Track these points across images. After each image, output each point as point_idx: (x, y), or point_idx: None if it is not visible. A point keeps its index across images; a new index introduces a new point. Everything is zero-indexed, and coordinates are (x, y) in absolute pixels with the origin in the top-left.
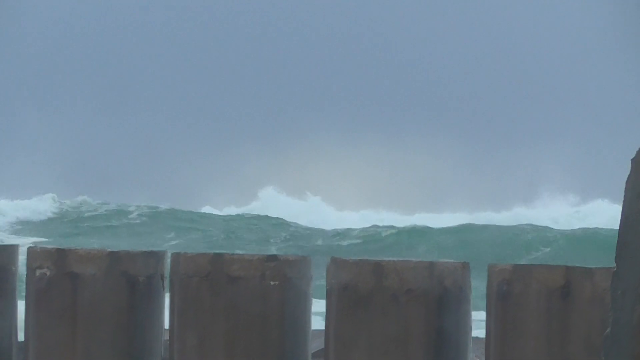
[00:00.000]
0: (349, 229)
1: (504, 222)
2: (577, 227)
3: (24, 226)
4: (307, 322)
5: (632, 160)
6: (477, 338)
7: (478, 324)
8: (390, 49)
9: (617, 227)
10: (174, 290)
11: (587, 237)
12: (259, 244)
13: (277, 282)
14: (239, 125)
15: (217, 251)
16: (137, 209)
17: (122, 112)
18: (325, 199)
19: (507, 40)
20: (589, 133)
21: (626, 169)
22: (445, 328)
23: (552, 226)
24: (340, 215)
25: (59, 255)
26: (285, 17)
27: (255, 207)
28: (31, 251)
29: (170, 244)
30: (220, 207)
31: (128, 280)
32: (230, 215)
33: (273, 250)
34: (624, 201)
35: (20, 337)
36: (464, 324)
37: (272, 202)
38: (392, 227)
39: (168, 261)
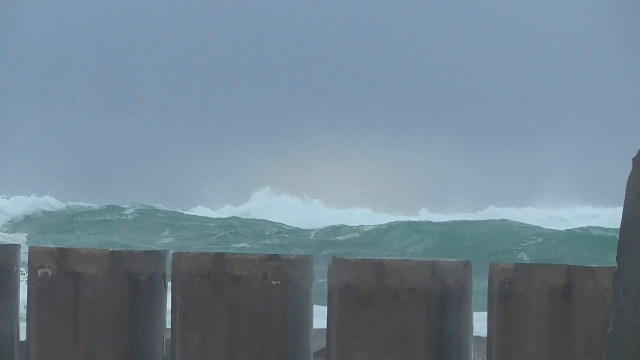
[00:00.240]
0: (336, 227)
1: (504, 221)
2: (577, 227)
3: (21, 222)
4: (309, 321)
5: (634, 159)
6: (478, 337)
7: (478, 323)
8: (390, 49)
9: (617, 226)
10: (175, 289)
11: (585, 236)
12: (253, 240)
13: (279, 282)
14: (238, 124)
15: (219, 250)
16: (131, 206)
17: (120, 112)
18: (324, 199)
19: (508, 40)
20: (590, 132)
21: (627, 168)
22: (447, 327)
23: (552, 226)
24: (340, 215)
25: (61, 255)
26: (285, 17)
27: (251, 207)
28: (33, 251)
29: (163, 242)
30: (216, 206)
31: (130, 279)
32: (221, 217)
33: (267, 246)
34: (625, 200)
35: (22, 336)
36: (466, 324)
37: (268, 201)
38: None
39: (170, 260)
